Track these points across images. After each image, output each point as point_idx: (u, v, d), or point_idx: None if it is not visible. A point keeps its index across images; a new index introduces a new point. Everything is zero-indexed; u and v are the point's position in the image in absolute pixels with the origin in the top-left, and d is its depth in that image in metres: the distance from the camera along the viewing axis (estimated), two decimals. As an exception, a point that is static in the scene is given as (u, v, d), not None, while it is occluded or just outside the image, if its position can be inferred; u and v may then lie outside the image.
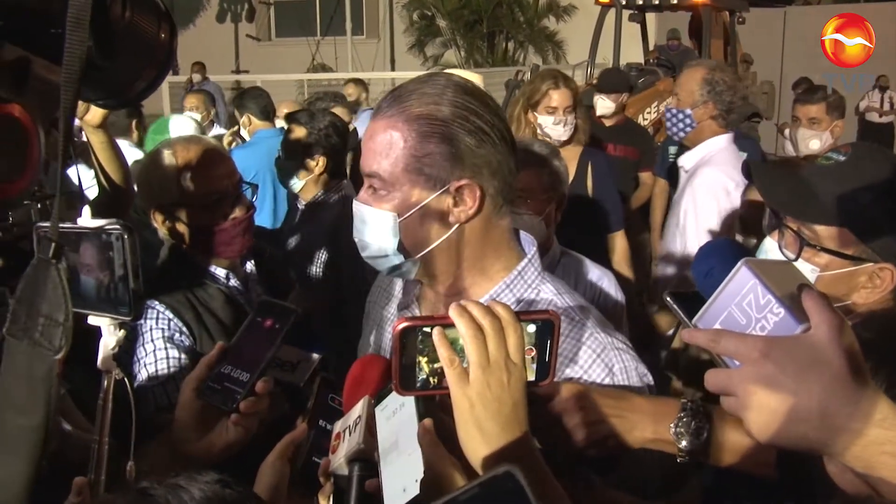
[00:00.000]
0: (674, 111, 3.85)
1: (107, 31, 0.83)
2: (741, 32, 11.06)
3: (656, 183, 5.52)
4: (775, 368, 0.92)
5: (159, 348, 2.18)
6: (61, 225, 0.92)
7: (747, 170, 1.96)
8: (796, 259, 1.69)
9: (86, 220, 1.11)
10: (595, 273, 2.63)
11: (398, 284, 1.78)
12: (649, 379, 1.59)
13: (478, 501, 0.81)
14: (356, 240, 1.58)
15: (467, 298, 1.53)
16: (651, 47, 11.85)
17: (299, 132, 3.90)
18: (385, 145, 1.47)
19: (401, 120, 1.47)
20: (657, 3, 10.81)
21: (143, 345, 2.17)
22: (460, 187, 1.48)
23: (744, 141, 5.53)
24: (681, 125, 3.81)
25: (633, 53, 11.34)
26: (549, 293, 1.60)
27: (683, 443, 1.35)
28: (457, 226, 1.51)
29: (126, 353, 2.13)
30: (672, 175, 4.75)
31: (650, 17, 12.05)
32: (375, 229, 1.51)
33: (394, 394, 1.18)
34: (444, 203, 1.48)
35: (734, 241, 2.57)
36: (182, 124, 5.01)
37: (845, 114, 4.54)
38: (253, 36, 20.79)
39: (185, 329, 2.23)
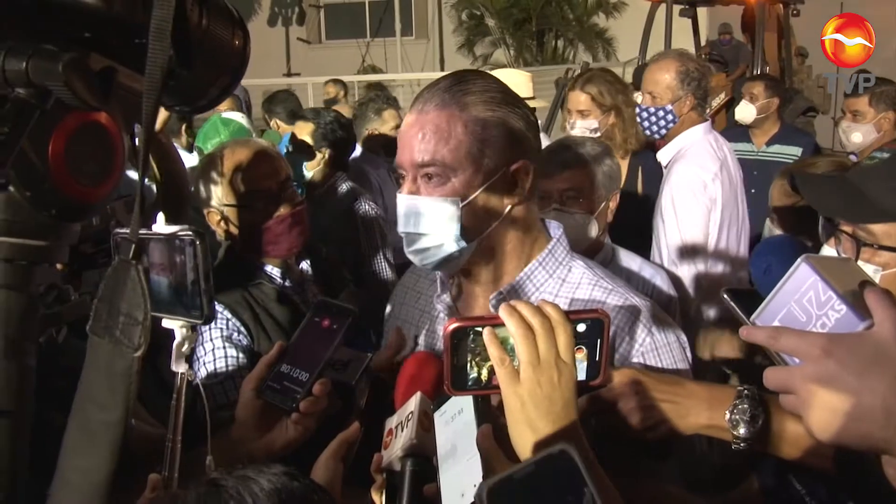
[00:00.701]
0: (651, 109, 3.60)
1: (186, 40, 0.85)
2: (795, 25, 10.79)
3: None
4: (837, 366, 0.90)
5: (218, 347, 2.22)
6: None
7: (793, 185, 1.92)
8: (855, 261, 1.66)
9: (159, 226, 1.14)
10: (648, 271, 2.63)
11: (426, 281, 1.81)
12: (684, 339, 1.65)
13: (533, 479, 0.82)
14: (403, 234, 1.59)
15: (506, 282, 1.60)
16: (703, 43, 11.66)
17: (306, 127, 4.04)
18: (444, 133, 1.50)
19: (456, 108, 1.51)
20: (708, -3, 10.66)
21: (201, 344, 2.22)
22: (517, 169, 1.54)
23: (800, 136, 5.45)
24: (661, 122, 3.59)
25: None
26: (580, 267, 1.66)
27: (741, 430, 1.33)
28: (509, 208, 1.56)
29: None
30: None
31: (701, 12, 11.85)
32: (435, 219, 1.53)
33: (452, 399, 1.18)
34: (502, 185, 1.54)
35: (793, 238, 2.51)
36: (234, 116, 5.15)
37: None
38: (304, 39, 20.95)
39: (242, 328, 2.27)
